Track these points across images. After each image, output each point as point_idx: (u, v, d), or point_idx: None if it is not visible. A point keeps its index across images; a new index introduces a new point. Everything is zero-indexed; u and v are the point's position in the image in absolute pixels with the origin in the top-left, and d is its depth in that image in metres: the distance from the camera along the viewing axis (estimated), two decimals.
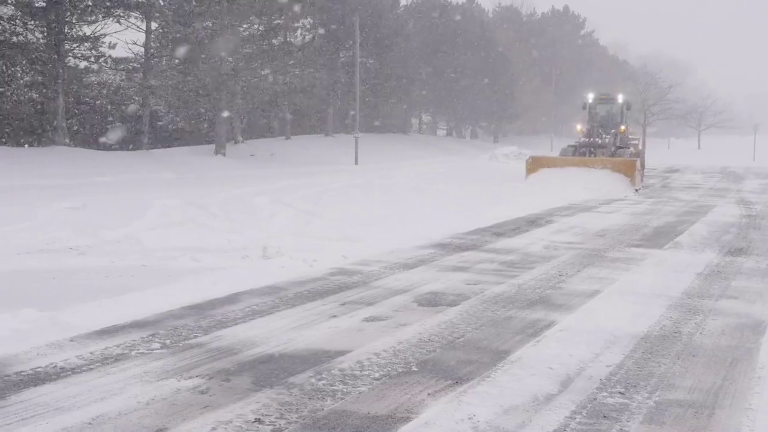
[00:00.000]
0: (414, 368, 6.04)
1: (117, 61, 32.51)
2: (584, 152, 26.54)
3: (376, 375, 5.86)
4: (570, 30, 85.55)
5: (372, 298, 8.55)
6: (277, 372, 5.88)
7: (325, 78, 42.50)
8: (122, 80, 34.11)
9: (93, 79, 32.33)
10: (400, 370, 5.98)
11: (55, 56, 28.55)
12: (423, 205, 18.31)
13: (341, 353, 6.39)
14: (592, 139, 26.77)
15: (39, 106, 29.11)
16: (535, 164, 25.08)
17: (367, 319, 7.59)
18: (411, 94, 54.37)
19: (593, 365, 6.21)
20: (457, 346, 6.73)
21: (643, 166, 27.26)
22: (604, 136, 27.06)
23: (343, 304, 8.17)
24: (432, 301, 8.43)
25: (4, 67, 27.72)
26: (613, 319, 7.69)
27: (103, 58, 31.43)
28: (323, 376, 5.80)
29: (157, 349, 6.41)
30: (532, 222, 15.78)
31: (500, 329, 7.33)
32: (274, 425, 4.80)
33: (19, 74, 28.91)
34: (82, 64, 31.56)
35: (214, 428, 4.74)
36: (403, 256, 11.29)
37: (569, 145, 27.89)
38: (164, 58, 34.43)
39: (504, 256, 11.46)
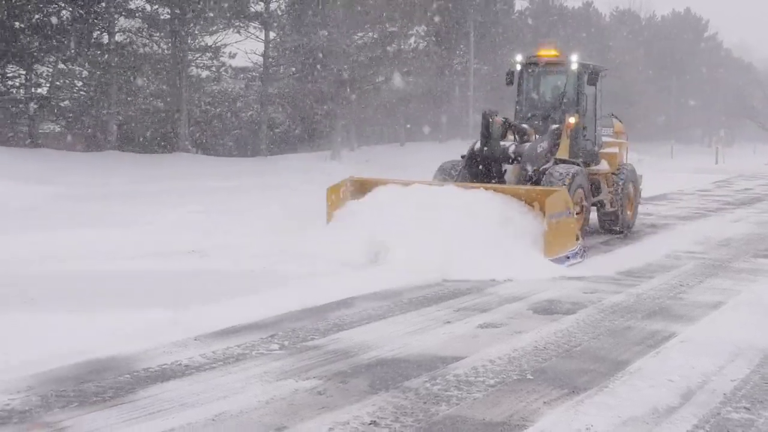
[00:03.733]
0: (529, 376, 5.99)
1: (237, 70, 33.47)
2: (475, 172, 13.07)
3: (491, 382, 5.83)
4: (691, 33, 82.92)
5: (486, 304, 8.51)
6: (393, 376, 5.93)
7: (439, 85, 42.59)
8: (241, 89, 35.07)
9: (214, 87, 33.36)
10: (515, 378, 5.94)
11: (179, 66, 29.64)
12: None
13: (456, 359, 6.40)
14: (488, 148, 12.82)
15: (163, 115, 30.26)
16: (352, 190, 12.53)
17: (481, 326, 7.56)
18: None
19: (717, 378, 6.01)
20: (573, 355, 6.63)
21: (631, 204, 15.32)
22: (529, 137, 13.27)
23: (457, 311, 8.16)
24: (547, 309, 8.33)
25: (131, 77, 28.96)
26: (737, 332, 7.42)
27: (223, 68, 32.43)
28: (438, 381, 5.82)
29: (276, 350, 6.57)
30: None
31: (618, 339, 7.18)
32: (390, 428, 4.85)
33: (145, 84, 30.12)
34: (204, 74, 32.64)
35: (331, 429, 4.82)
36: None
37: (462, 156, 13.41)
38: (282, 67, 35.22)
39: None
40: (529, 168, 12.64)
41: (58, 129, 28.74)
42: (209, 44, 31.37)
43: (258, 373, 5.93)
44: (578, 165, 13.12)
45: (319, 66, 33.16)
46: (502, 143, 12.93)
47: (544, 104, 14.46)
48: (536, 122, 13.90)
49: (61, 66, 27.22)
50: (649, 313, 8.23)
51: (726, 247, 13.26)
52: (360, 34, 35.83)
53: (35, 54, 25.33)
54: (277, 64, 35.05)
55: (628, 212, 15.06)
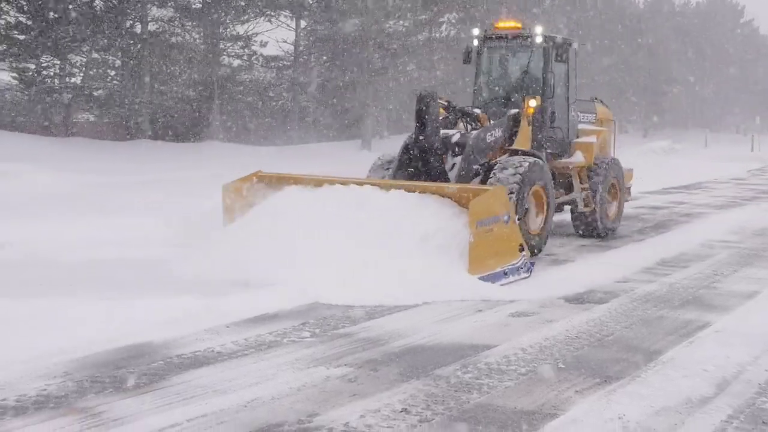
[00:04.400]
0: (561, 365, 5.96)
1: (268, 59, 33.57)
2: (412, 168, 11.01)
3: (522, 370, 5.82)
4: (727, 19, 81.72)
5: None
6: (424, 364, 5.94)
7: (469, 72, 42.43)
8: (272, 77, 35.17)
9: (245, 77, 33.47)
10: (547, 366, 5.91)
11: (210, 56, 29.79)
12: None
13: (487, 347, 6.39)
14: (424, 138, 10.66)
15: (195, 104, 30.44)
16: (260, 188, 10.44)
17: (512, 315, 7.54)
18: None
19: (752, 369, 5.94)
20: (605, 344, 6.59)
21: (616, 204, 13.22)
22: (482, 123, 11.58)
23: (488, 299, 8.14)
24: (579, 298, 8.28)
25: (164, 66, 29.15)
26: None
27: (254, 57, 32.55)
28: (469, 369, 5.82)
29: (308, 337, 6.61)
30: None
31: (651, 328, 7.12)
32: (421, 416, 4.86)
33: (177, 73, 30.31)
34: (235, 63, 32.78)
35: (362, 416, 4.84)
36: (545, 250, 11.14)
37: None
38: (313, 55, 35.27)
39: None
40: (476, 161, 10.76)
41: (92, 118, 29.01)
42: (241, 33, 31.49)
43: (290, 360, 5.97)
44: (538, 157, 10.99)
45: (349, 54, 33.16)
46: (444, 132, 10.96)
47: (506, 86, 12.44)
48: (494, 108, 12.00)
49: (94, 55, 27.45)
50: (682, 303, 8.15)
51: (761, 237, 13.09)
52: (391, 22, 35.74)
53: (69, 44, 25.57)
54: (308, 53, 35.10)
55: (609, 213, 12.81)
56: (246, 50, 32.06)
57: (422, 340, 6.57)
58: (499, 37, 12.41)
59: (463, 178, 10.57)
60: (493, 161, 10.82)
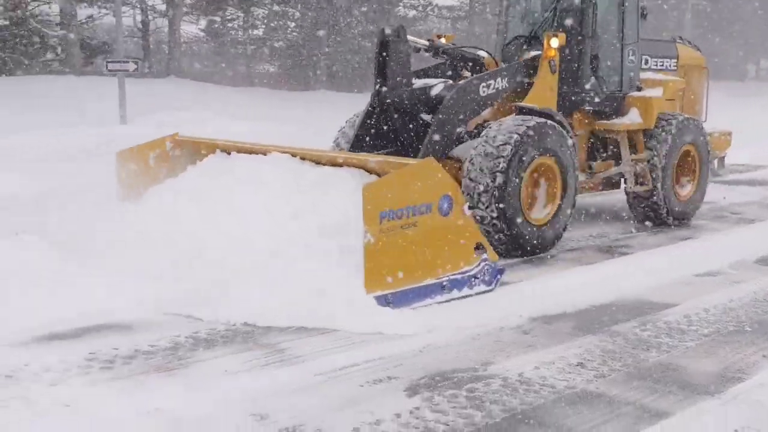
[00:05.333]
0: (747, 328, 5.70)
1: (442, 9, 33.50)
2: (379, 130, 8.38)
3: (705, 331, 5.60)
4: None
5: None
6: (601, 320, 5.83)
7: None
8: (446, 28, 35.08)
9: (419, 27, 33.54)
10: (732, 329, 5.67)
11: (387, 6, 30.05)
12: None
13: (667, 306, 6.20)
14: (387, 89, 7.99)
15: (371, 55, 30.84)
16: (175, 156, 7.85)
17: (698, 274, 7.26)
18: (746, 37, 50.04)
19: None
20: None
21: (693, 181, 9.96)
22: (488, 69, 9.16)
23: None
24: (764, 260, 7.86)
25: (341, 18, 29.67)
26: None
27: (430, 7, 32.56)
28: (648, 327, 5.67)
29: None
30: None
31: None
32: (597, 371, 4.79)
33: (354, 24, 30.80)
34: (411, 13, 32.89)
35: (537, 367, 4.83)
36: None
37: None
38: (487, 5, 34.85)
39: None
40: (456, 122, 8.01)
41: (272, 69, 30.05)
42: None
43: (465, 310, 6.00)
44: (552, 117, 8.10)
45: None
46: (423, 82, 8.39)
47: (533, 21, 9.46)
48: (514, 53, 9.42)
49: (275, 8, 28.33)
50: None
51: None
52: None
53: None
54: (482, 3, 34.67)
55: (680, 193, 9.74)
56: (422, 0, 32.10)
57: (599, 298, 6.45)
58: None
59: (434, 146, 7.78)
60: (488, 123, 8.18)
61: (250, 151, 7.24)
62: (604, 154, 9.59)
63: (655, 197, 9.33)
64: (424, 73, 8.86)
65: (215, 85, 24.99)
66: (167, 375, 4.58)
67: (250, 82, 27.17)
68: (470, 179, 7.52)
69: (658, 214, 9.44)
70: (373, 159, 6.75)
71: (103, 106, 17.63)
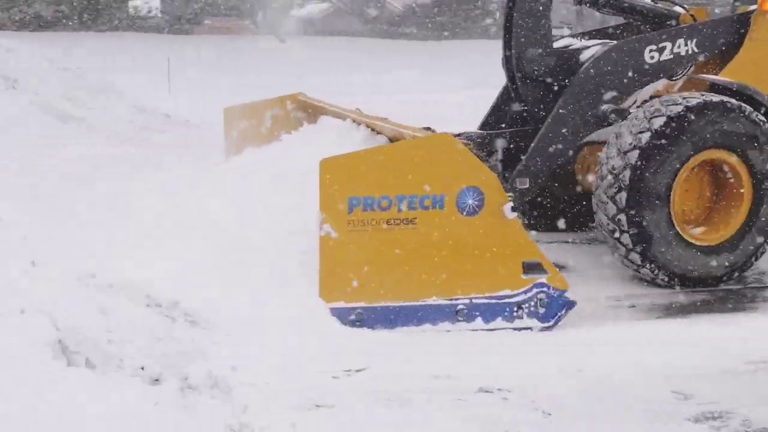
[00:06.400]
0: None
1: None
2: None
3: None
4: None
5: None
6: None
7: None
8: None
9: None
10: None
11: None
12: None
13: None
14: (510, 56, 5.96)
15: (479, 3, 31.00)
16: (290, 117, 6.47)
17: None
18: None
19: None
20: None
21: None
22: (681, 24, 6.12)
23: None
24: None
25: None
26: None
27: None
28: None
29: None
30: None
31: None
32: None
33: None
34: None
35: None
36: None
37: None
38: None
39: None
40: (599, 97, 5.66)
41: None
42: None
43: None
44: (749, 98, 5.66)
45: None
46: (569, 43, 6.41)
47: None
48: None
49: None
50: None
51: None
52: None
53: None
54: None
55: None
56: None
57: None
58: None
59: (560, 126, 5.64)
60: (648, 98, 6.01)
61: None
62: None
63: None
64: (600, 36, 6.64)
65: None
66: None
67: None
68: (600, 177, 5.49)
69: None
70: (389, 126, 5.12)
71: None
